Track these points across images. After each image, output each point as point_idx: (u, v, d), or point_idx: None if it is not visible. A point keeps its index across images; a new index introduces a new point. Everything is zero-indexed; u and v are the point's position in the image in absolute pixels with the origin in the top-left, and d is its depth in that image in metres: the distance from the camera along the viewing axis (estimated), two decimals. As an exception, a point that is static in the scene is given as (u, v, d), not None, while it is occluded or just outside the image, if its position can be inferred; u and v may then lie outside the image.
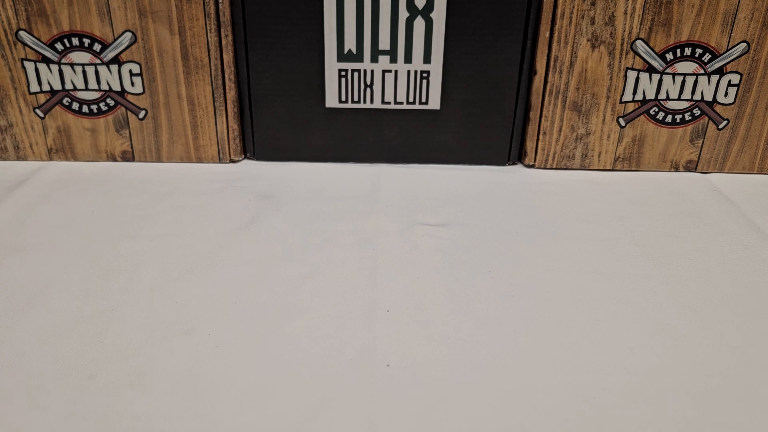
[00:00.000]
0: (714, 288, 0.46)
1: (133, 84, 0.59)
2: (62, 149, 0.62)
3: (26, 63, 0.58)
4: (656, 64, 0.58)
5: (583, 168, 0.63)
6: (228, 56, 0.58)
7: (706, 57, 0.58)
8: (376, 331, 0.40)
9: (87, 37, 0.57)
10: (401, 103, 0.61)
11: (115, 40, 0.57)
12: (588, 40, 0.57)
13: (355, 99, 0.60)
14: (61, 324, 0.40)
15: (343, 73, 0.59)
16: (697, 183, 0.61)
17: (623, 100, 0.60)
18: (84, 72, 0.58)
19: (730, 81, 0.59)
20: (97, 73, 0.58)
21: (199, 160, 0.62)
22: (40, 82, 0.59)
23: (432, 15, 0.57)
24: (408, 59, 0.59)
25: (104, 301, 0.43)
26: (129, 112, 0.60)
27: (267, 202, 0.56)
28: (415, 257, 0.48)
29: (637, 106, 0.60)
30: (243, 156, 0.64)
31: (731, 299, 0.44)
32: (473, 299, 0.44)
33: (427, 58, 0.59)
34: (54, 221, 0.52)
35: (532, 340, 0.40)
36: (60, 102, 0.59)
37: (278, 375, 0.37)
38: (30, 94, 0.59)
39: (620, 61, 0.58)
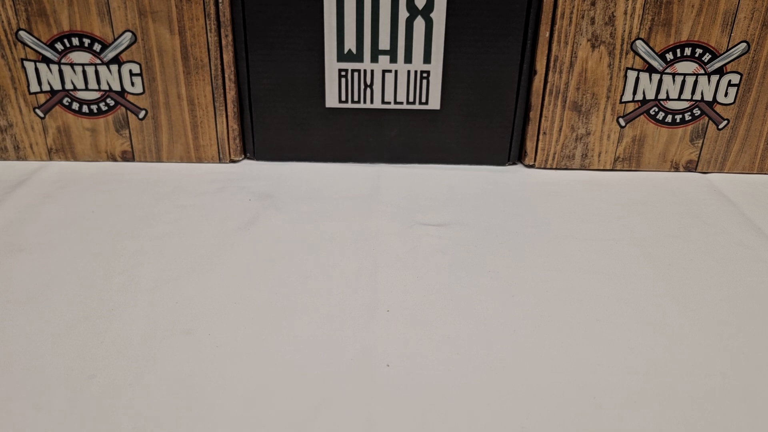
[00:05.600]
0: (714, 288, 0.46)
1: (133, 84, 0.59)
2: (62, 149, 0.62)
3: (26, 63, 0.58)
4: (656, 64, 0.58)
5: (583, 168, 0.63)
6: (228, 56, 0.58)
7: (706, 57, 0.58)
8: (376, 331, 0.40)
9: (87, 37, 0.57)
10: (401, 103, 0.61)
11: (115, 40, 0.57)
12: (588, 40, 0.57)
13: (355, 99, 0.60)
14: (61, 324, 0.40)
15: (343, 73, 0.59)
16: (697, 183, 0.61)
17: (623, 100, 0.60)
18: (84, 72, 0.58)
19: (730, 81, 0.59)
20: (97, 73, 0.58)
21: (199, 160, 0.62)
22: (40, 82, 0.59)
23: (432, 15, 0.57)
24: (408, 59, 0.59)
25: (104, 301, 0.43)
26: (129, 112, 0.60)
27: (267, 202, 0.56)
28: (415, 257, 0.48)
29: (637, 106, 0.60)
30: (243, 156, 0.64)
31: (731, 299, 0.44)
32: (473, 299, 0.44)
33: (427, 58, 0.59)
34: (54, 221, 0.52)
35: (532, 340, 0.40)
36: (60, 102, 0.59)
37: (278, 375, 0.37)
38: (30, 94, 0.59)
39: (620, 61, 0.58)
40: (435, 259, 0.48)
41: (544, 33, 0.58)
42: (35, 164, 0.62)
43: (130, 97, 0.59)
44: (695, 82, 0.59)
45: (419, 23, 0.57)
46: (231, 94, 0.60)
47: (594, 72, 0.59)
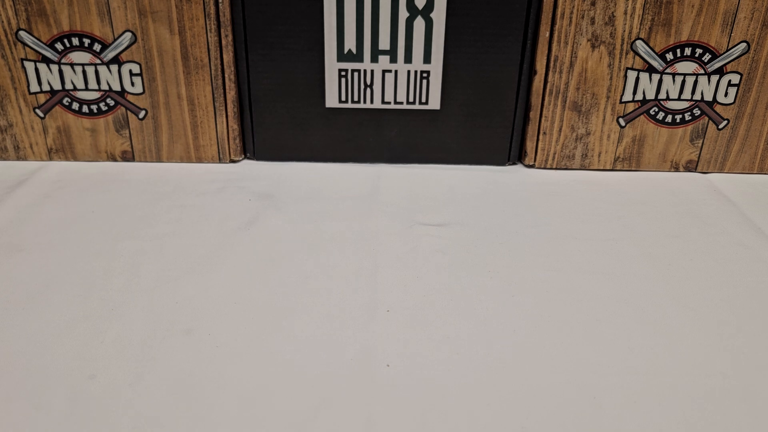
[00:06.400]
0: (714, 288, 0.46)
1: (133, 84, 0.59)
2: (62, 149, 0.62)
3: (26, 63, 0.58)
4: (656, 64, 0.58)
5: (583, 168, 0.63)
6: (228, 56, 0.58)
7: (706, 57, 0.58)
8: (376, 331, 0.40)
9: (87, 37, 0.57)
10: (401, 103, 0.61)
11: (115, 40, 0.57)
12: (588, 40, 0.57)
13: (355, 99, 0.60)
14: (61, 324, 0.40)
15: (343, 73, 0.59)
16: (697, 183, 0.61)
17: (623, 100, 0.60)
18: (84, 72, 0.58)
19: (730, 81, 0.59)
20: (97, 73, 0.58)
21: (199, 160, 0.62)
22: (40, 82, 0.59)
23: (432, 15, 0.57)
24: (408, 59, 0.59)
25: (104, 301, 0.43)
26: (129, 112, 0.60)
27: (267, 202, 0.56)
28: (415, 257, 0.48)
29: (637, 106, 0.60)
30: (243, 156, 0.64)
31: (731, 299, 0.44)
32: (473, 299, 0.44)
33: (427, 58, 0.59)
34: (54, 221, 0.52)
35: (532, 340, 0.40)
36: (60, 102, 0.59)
37: (278, 375, 0.37)
38: (30, 94, 0.59)
39: (620, 61, 0.58)
40: (435, 259, 0.48)
41: (544, 33, 0.58)
42: (35, 164, 0.62)
43: (130, 97, 0.59)
44: (695, 82, 0.59)
45: (419, 23, 0.57)
46: (231, 94, 0.60)
47: (594, 72, 0.59)
